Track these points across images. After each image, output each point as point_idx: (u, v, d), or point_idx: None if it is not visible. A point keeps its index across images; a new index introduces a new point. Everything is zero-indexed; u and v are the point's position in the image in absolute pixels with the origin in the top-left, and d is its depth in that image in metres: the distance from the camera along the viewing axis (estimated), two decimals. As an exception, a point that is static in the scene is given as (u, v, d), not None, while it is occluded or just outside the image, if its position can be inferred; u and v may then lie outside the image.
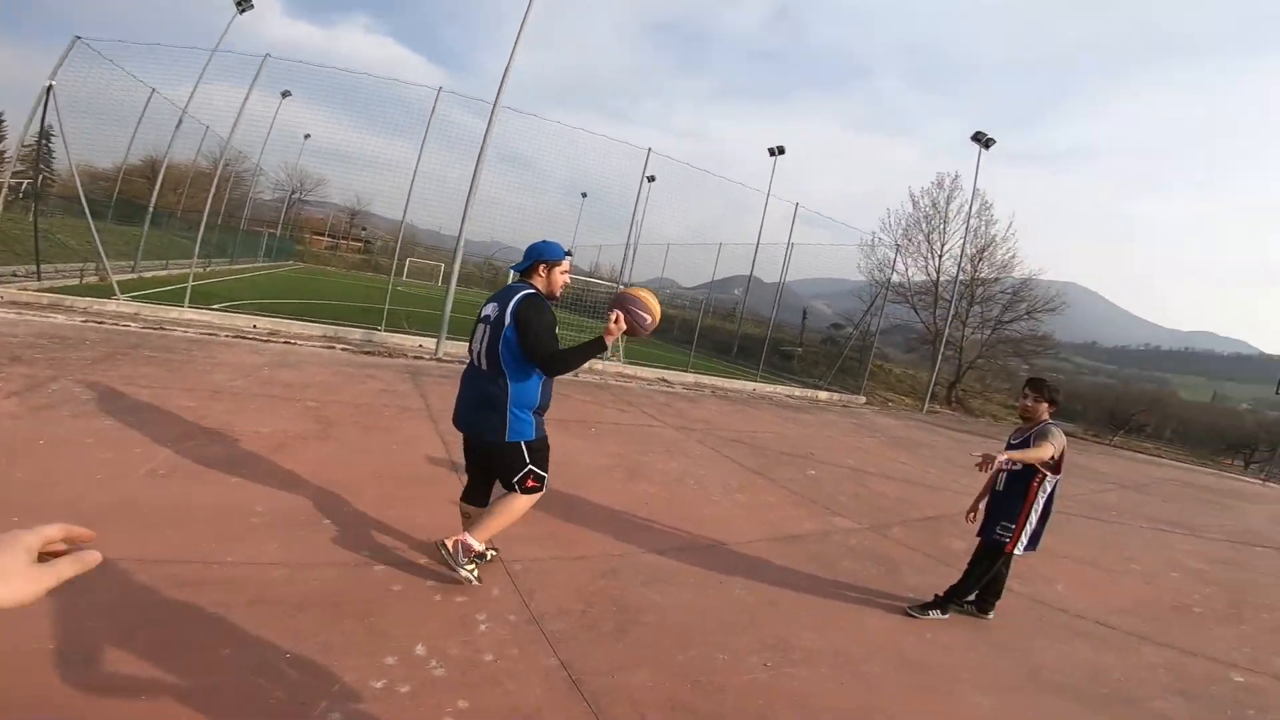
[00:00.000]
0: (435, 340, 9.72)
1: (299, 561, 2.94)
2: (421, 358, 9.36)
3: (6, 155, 25.95)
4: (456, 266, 9.95)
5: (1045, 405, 3.56)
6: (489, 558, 3.25)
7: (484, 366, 2.87)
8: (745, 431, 8.77)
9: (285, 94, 16.24)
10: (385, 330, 10.39)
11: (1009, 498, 3.63)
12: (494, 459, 2.95)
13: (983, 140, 17.99)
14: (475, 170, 10.07)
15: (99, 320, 7.91)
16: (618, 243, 31.80)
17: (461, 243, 10.05)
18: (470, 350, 2.98)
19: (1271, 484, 15.80)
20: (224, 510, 3.29)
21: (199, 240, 10.33)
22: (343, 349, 8.97)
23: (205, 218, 10.38)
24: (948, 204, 21.75)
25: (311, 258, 36.20)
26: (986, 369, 21.35)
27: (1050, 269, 22.40)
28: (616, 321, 2.75)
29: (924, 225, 21.95)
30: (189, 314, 9.25)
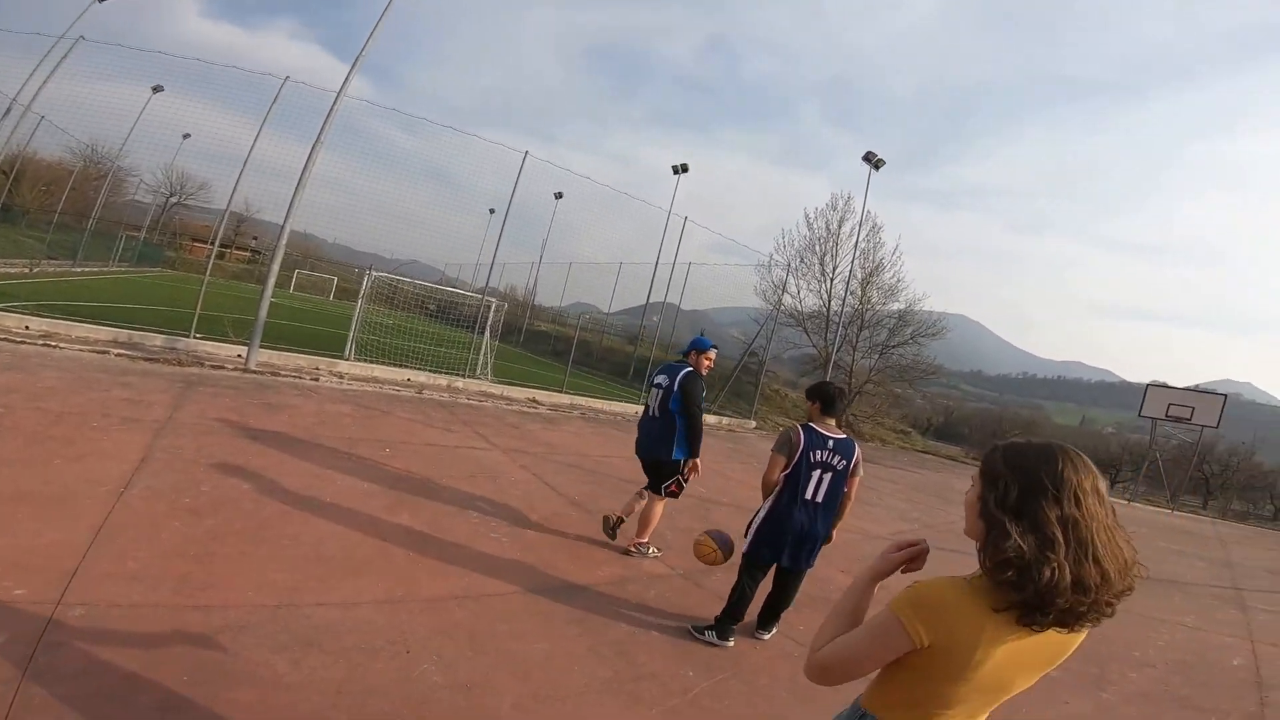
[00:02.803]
0: (247, 349, 8.42)
1: None
2: (224, 367, 8.04)
3: None
4: (275, 266, 8.73)
5: (810, 405, 3.60)
6: (650, 554, 4.54)
7: (658, 415, 4.39)
8: (594, 456, 7.99)
9: (156, 88, 14.79)
10: (196, 337, 8.99)
11: None
12: (661, 470, 4.41)
13: (873, 161, 18.07)
14: (309, 156, 8.95)
15: None
16: (527, 260, 31.20)
17: (284, 240, 8.88)
18: (647, 404, 4.57)
19: (1137, 504, 16.68)
20: None
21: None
22: (120, 354, 7.53)
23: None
24: (840, 226, 22.11)
25: (186, 265, 33.11)
26: (876, 394, 21.74)
27: (938, 299, 23.20)
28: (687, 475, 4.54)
29: (817, 248, 22.24)
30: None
